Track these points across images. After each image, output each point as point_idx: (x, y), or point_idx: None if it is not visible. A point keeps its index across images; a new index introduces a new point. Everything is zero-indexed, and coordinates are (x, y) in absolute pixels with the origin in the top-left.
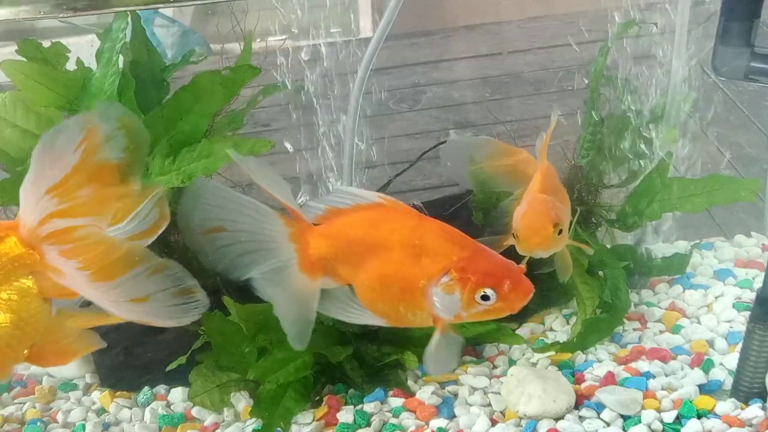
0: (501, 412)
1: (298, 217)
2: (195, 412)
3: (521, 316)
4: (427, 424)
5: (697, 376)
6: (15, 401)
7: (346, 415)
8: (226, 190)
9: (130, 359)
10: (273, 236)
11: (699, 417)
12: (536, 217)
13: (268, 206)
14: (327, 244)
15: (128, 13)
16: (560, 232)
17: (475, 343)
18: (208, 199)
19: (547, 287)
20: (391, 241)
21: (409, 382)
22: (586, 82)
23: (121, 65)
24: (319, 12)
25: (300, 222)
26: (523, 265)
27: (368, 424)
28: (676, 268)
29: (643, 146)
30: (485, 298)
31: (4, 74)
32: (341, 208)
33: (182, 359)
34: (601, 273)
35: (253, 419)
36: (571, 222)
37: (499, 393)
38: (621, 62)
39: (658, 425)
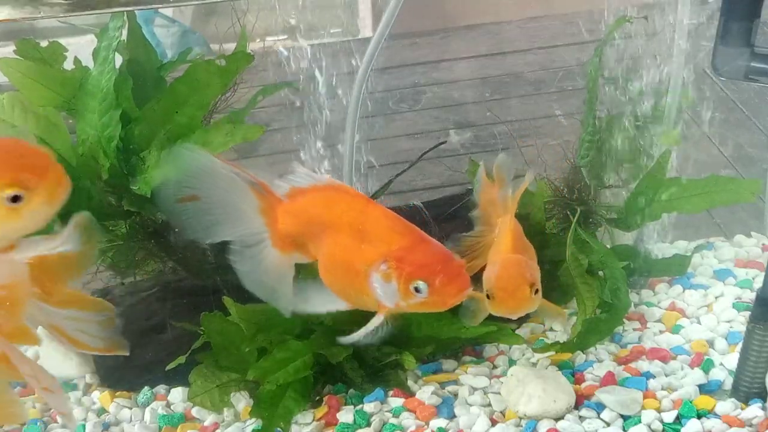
0: (501, 412)
1: (269, 192)
2: (195, 412)
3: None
4: (427, 424)
5: (697, 376)
6: None
7: (346, 415)
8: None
9: (130, 359)
10: (243, 209)
11: (699, 417)
12: (512, 280)
13: (243, 180)
14: (294, 221)
15: (124, 12)
16: (536, 291)
17: (475, 343)
18: (185, 166)
19: (547, 287)
20: (341, 223)
21: (409, 382)
22: (589, 81)
23: (118, 64)
24: (319, 12)
25: (270, 197)
26: (463, 260)
27: (368, 424)
28: (676, 268)
29: (642, 146)
30: (418, 290)
31: (2, 73)
32: (302, 188)
33: (182, 359)
34: (601, 273)
35: (253, 419)
36: (571, 222)
37: (499, 393)
38: (620, 62)
39: (658, 425)
